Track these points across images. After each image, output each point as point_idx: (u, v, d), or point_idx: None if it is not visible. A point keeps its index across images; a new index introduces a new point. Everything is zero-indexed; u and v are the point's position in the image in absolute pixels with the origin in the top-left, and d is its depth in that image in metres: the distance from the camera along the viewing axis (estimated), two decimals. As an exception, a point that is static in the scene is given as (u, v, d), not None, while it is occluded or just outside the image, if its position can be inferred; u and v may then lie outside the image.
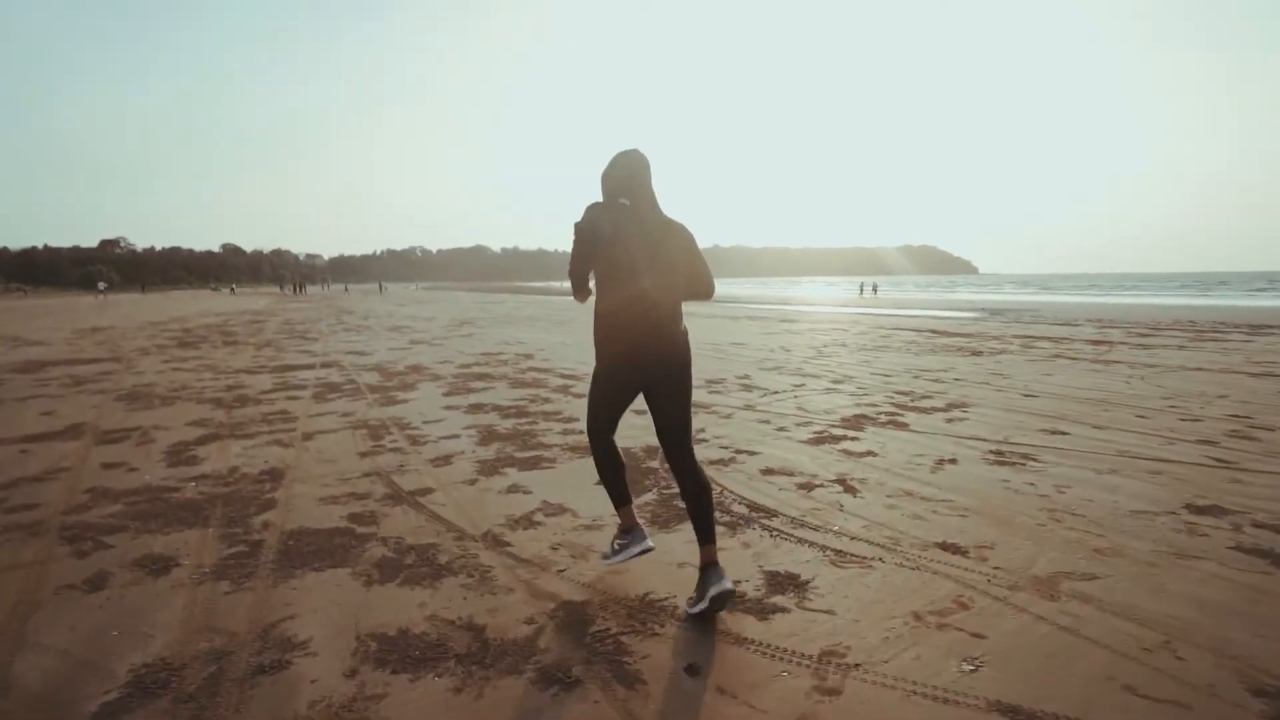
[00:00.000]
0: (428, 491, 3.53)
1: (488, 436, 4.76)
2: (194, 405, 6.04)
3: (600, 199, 2.31)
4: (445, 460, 4.15)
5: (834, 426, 4.98)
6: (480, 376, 7.66)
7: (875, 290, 47.75)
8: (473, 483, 3.68)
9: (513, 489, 3.57)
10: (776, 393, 6.49)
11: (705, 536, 2.27)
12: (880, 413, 5.46)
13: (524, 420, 5.29)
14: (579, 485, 3.61)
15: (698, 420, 5.19)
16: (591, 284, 2.32)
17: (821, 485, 3.57)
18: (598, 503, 3.26)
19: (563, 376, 7.67)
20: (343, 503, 3.35)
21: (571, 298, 2.89)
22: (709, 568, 2.21)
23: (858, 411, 5.53)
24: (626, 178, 2.30)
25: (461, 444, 4.56)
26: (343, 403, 6.13)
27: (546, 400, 6.19)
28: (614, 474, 2.45)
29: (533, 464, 4.04)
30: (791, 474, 3.80)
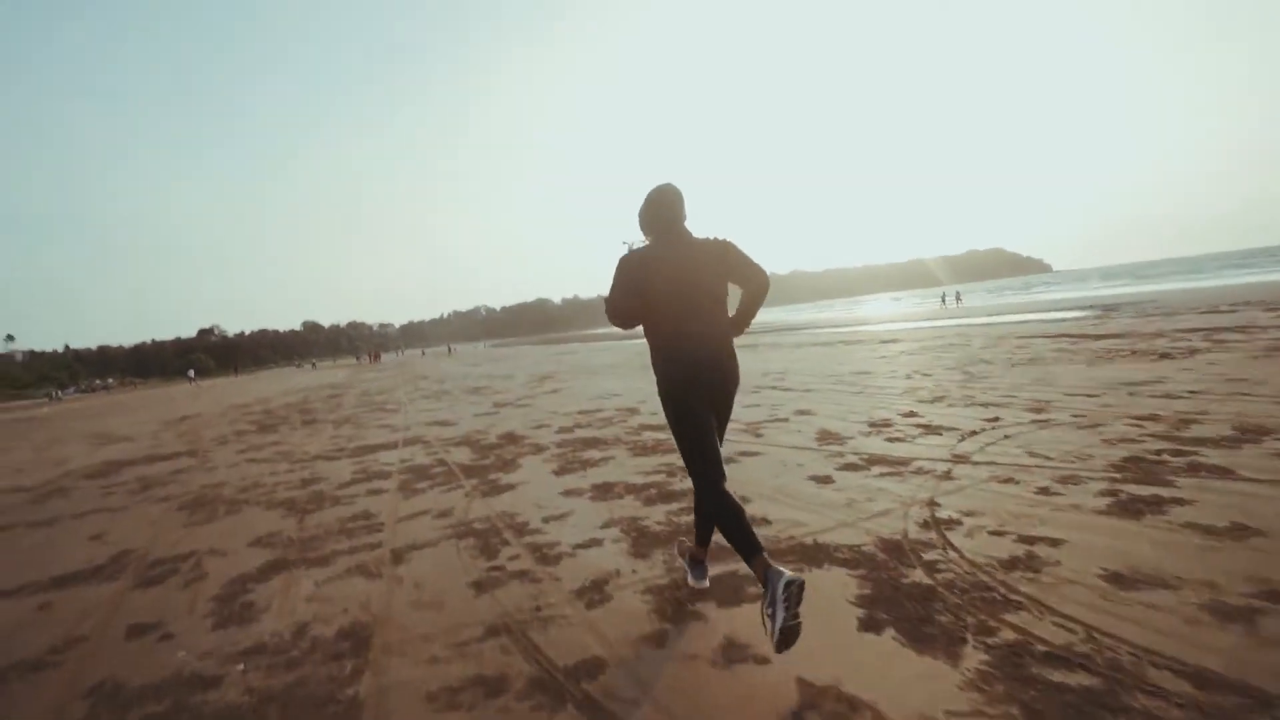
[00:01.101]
0: (596, 668, 2.17)
1: (640, 539, 3.38)
2: (263, 512, 4.96)
3: (640, 231, 2.53)
4: (598, 590, 2.79)
5: (1116, 480, 3.41)
6: (589, 443, 6.37)
7: (959, 299, 44.74)
8: (659, 639, 2.30)
9: (731, 649, 2.17)
10: (973, 433, 4.90)
11: (752, 549, 2.12)
12: (1155, 453, 3.84)
13: (675, 506, 3.91)
14: (831, 624, 2.18)
15: (921, 488, 3.68)
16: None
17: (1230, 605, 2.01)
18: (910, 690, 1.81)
19: (689, 434, 6.26)
20: (465, 706, 2.03)
21: (641, 338, 2.77)
22: (767, 571, 2.02)
23: (1123, 453, 3.91)
24: (663, 212, 2.44)
25: (609, 556, 3.20)
26: (435, 494, 4.92)
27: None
28: (741, 522, 2.18)
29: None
30: (1165, 584, 2.27)
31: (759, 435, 5.94)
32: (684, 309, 2.35)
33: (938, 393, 7.06)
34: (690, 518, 3.51)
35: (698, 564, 2.66)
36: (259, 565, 3.66)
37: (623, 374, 14.48)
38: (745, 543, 2.14)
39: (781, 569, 2.00)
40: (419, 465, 6.06)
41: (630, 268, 2.38)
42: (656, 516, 3.72)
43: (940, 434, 5.07)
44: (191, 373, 60.86)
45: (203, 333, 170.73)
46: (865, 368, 10.49)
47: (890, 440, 5.04)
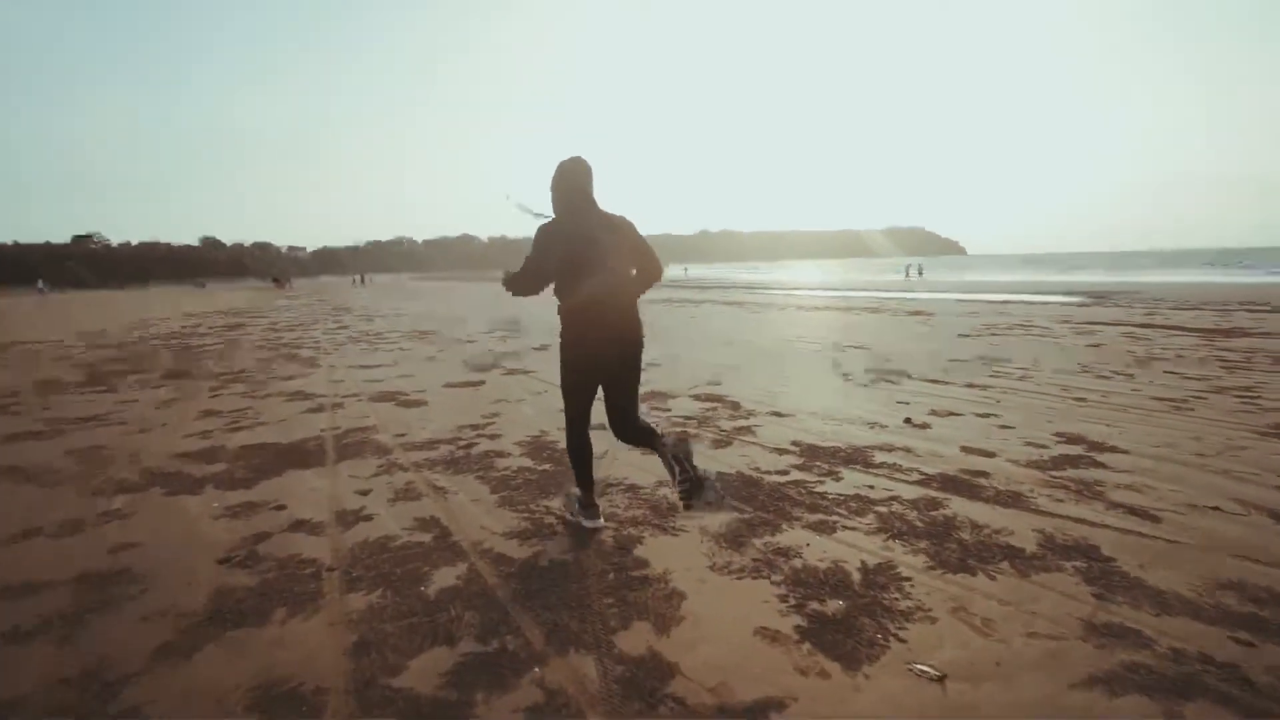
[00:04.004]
0: None
1: None
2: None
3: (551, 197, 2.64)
4: None
5: None
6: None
7: (920, 273, 43.59)
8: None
9: None
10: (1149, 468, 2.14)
11: (586, 485, 2.75)
12: None
13: None
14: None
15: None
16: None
17: None
18: None
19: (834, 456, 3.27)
20: None
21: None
22: (661, 447, 2.58)
23: None
24: (572, 185, 2.58)
25: None
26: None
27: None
28: (585, 460, 2.73)
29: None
30: None
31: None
32: (596, 266, 2.49)
33: (993, 371, 4.34)
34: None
35: (587, 506, 2.77)
36: None
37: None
38: (584, 478, 2.75)
39: (598, 514, 2.77)
40: (386, 539, 2.74)
41: (549, 233, 2.55)
42: None
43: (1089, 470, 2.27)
44: (41, 283, 51.65)
45: (79, 239, 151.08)
46: (862, 339, 7.76)
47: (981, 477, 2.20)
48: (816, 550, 2.53)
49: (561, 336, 2.62)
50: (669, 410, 4.97)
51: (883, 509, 2.93)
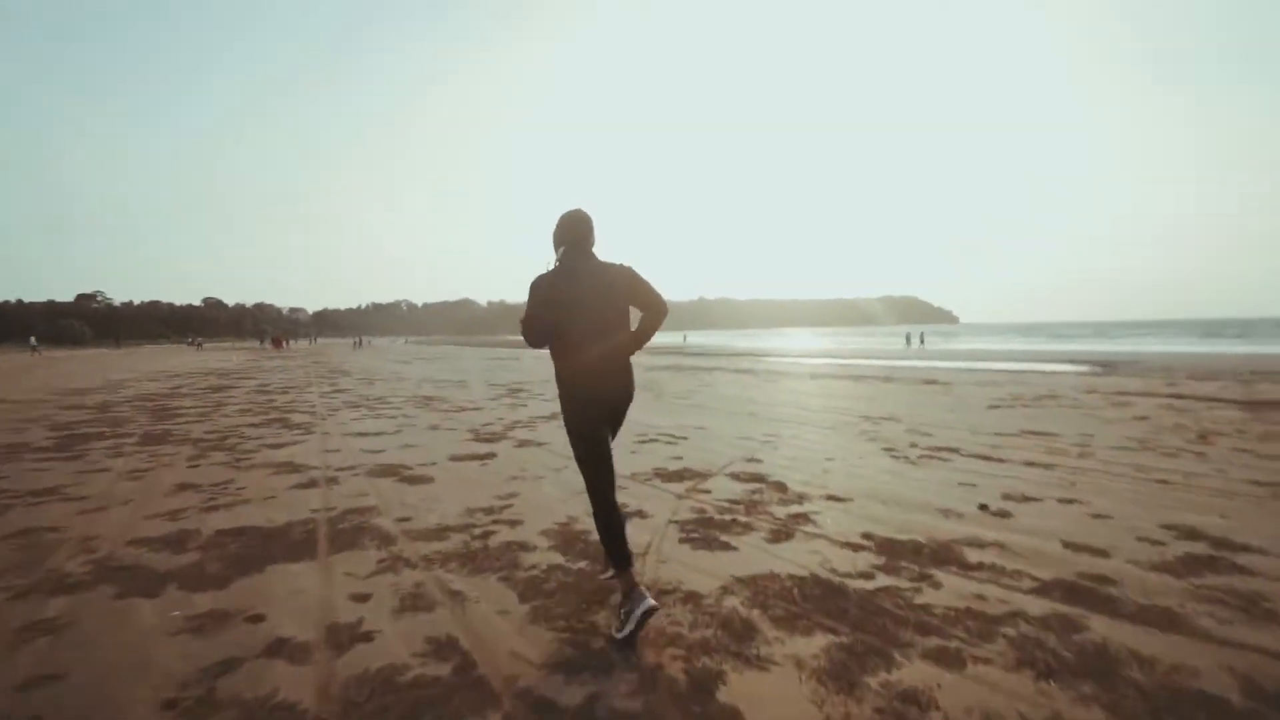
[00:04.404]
0: None
1: None
2: None
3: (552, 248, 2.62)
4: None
5: None
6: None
7: (923, 340, 43.54)
8: None
9: None
10: None
11: (626, 562, 2.39)
12: None
13: None
14: None
15: None
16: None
17: None
18: None
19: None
20: None
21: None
22: (632, 590, 2.32)
23: None
24: (573, 235, 2.56)
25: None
26: None
27: None
28: (622, 533, 2.44)
29: None
30: None
31: None
32: (589, 329, 2.48)
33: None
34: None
35: (633, 588, 2.38)
36: None
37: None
38: (620, 555, 2.40)
39: (645, 593, 2.31)
40: (392, 670, 2.12)
41: (542, 289, 2.50)
42: None
43: None
44: (33, 340, 50.94)
45: (82, 298, 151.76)
46: (892, 410, 7.24)
47: None
48: (954, 697, 1.93)
49: (560, 391, 2.57)
50: (709, 493, 4.38)
51: (1010, 630, 2.34)
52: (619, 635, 2.26)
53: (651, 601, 2.30)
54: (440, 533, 3.49)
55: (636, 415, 8.36)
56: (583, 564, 3.00)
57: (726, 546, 3.29)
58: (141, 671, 2.05)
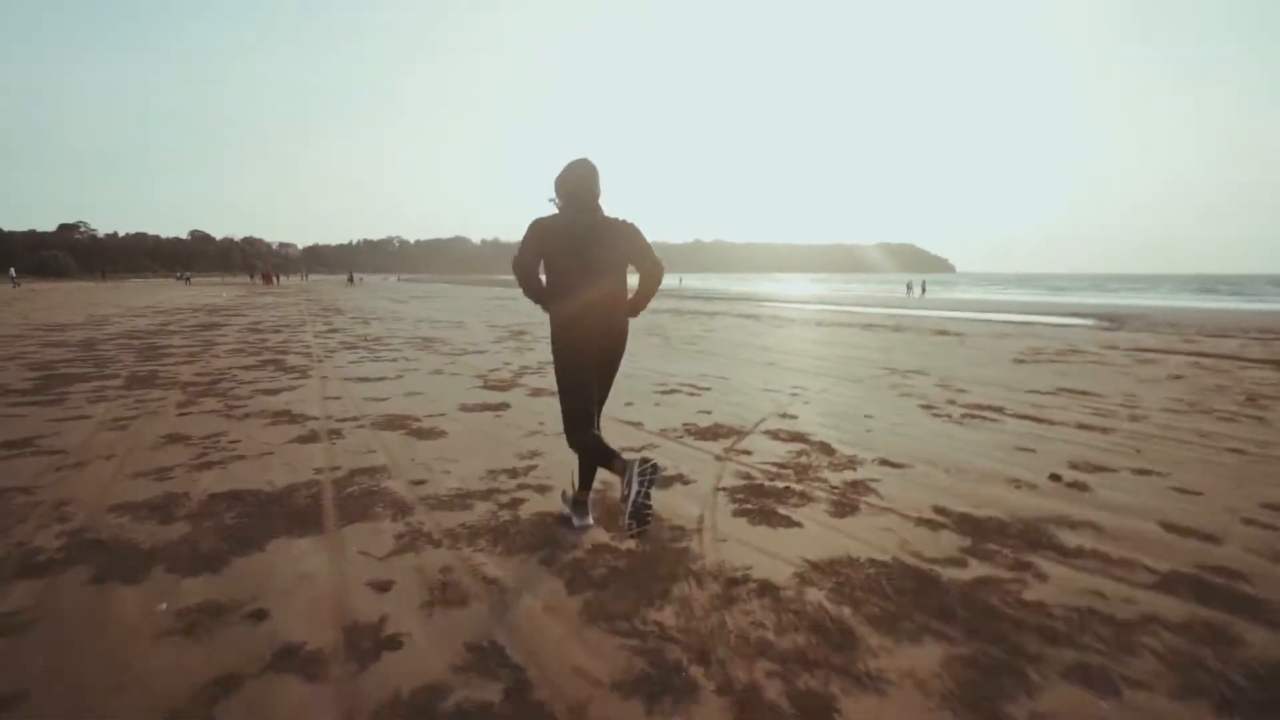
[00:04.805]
0: None
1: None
2: None
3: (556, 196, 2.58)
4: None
5: None
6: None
7: (924, 290, 43.00)
8: None
9: None
10: None
11: (613, 457, 2.47)
12: None
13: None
14: None
15: None
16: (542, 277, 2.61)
17: None
18: None
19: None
20: None
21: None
22: (627, 463, 2.33)
23: None
24: (575, 182, 2.53)
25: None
26: None
27: None
28: (594, 459, 2.61)
29: None
30: None
31: None
32: (583, 278, 2.49)
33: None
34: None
35: (579, 504, 2.78)
36: None
37: (631, 340, 10.31)
38: (607, 456, 2.51)
39: (637, 458, 2.29)
40: (430, 693, 1.73)
41: (539, 231, 2.51)
42: None
43: None
44: (13, 271, 49.57)
45: (65, 228, 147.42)
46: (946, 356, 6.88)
47: None
48: (1125, 738, 1.57)
49: (552, 333, 2.63)
50: (750, 454, 4.00)
51: (1152, 641, 1.99)
52: (626, 523, 2.27)
53: (590, 521, 2.78)
54: (462, 500, 3.09)
55: (650, 363, 7.95)
56: (631, 544, 2.62)
57: (788, 521, 2.92)
58: (120, 693, 1.66)
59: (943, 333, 13.49)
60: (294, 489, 3.19)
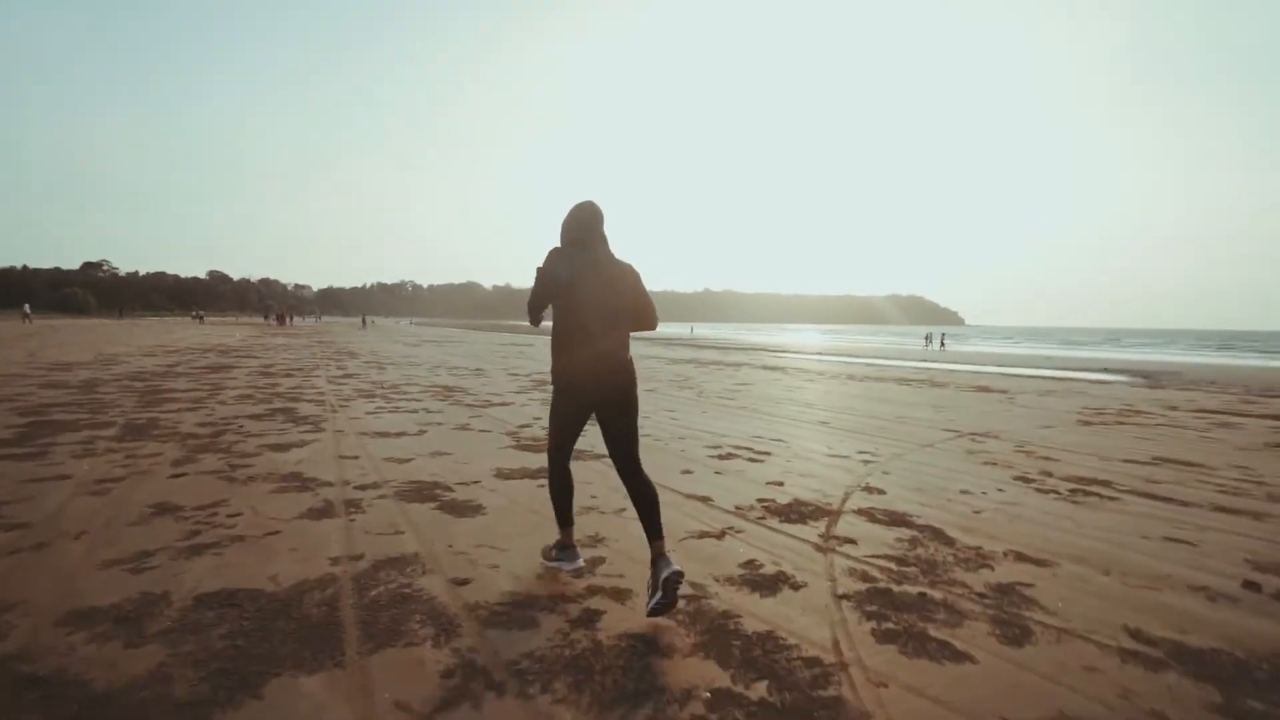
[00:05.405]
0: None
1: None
2: None
3: (559, 243, 2.62)
4: None
5: None
6: None
7: (943, 343, 42.33)
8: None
9: None
10: None
11: (655, 533, 2.48)
12: None
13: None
14: None
15: None
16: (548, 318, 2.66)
17: None
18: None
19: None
20: None
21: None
22: (659, 559, 2.37)
23: None
24: (582, 225, 2.58)
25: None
26: None
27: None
28: (566, 496, 2.72)
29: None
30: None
31: None
32: (587, 319, 2.51)
33: None
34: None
35: (566, 548, 2.76)
36: None
37: (670, 396, 9.62)
38: (565, 507, 2.73)
39: (671, 569, 2.30)
40: None
41: (547, 274, 2.56)
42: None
43: None
44: (27, 308, 50.04)
45: (88, 266, 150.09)
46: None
47: None
48: None
49: (554, 370, 2.62)
50: (854, 543, 3.28)
51: None
52: (651, 603, 2.29)
53: (580, 564, 2.79)
54: (521, 610, 2.39)
55: (694, 420, 7.27)
56: (762, 689, 1.91)
57: (951, 651, 2.20)
58: None
59: (984, 389, 12.80)
60: (304, 589, 2.50)
